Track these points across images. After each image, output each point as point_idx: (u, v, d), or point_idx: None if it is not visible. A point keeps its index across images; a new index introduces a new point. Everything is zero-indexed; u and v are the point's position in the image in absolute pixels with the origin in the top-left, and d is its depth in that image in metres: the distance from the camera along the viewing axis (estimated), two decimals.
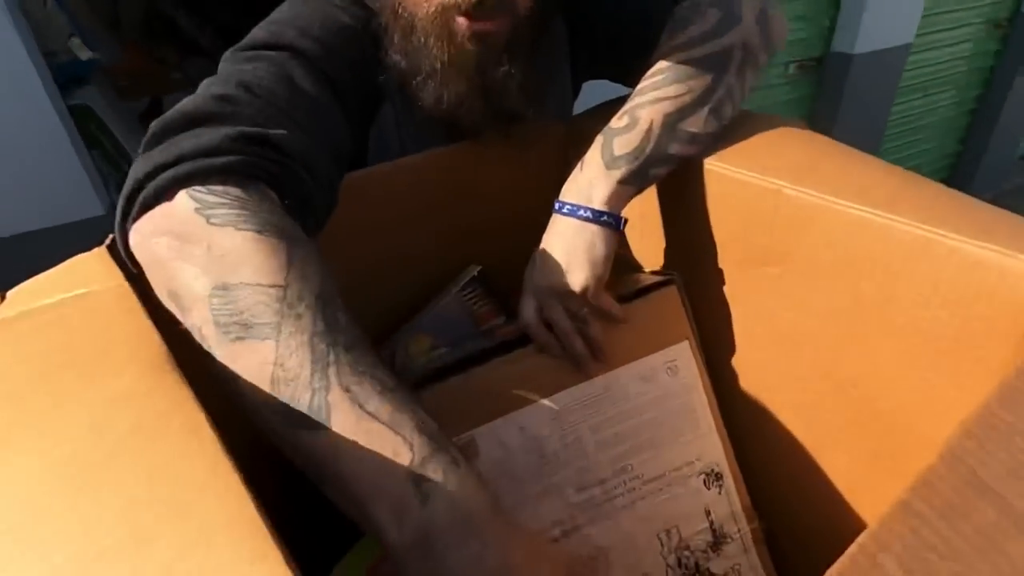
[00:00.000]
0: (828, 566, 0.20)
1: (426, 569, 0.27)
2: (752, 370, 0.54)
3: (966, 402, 0.39)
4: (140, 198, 0.35)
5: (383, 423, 0.29)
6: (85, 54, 1.40)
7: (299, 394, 0.29)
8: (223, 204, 0.33)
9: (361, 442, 0.28)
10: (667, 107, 0.50)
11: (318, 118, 0.45)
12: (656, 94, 0.50)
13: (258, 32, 0.49)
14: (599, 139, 0.52)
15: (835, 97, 2.62)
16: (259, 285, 0.31)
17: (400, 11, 0.50)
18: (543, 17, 0.52)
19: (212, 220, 0.33)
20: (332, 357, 0.30)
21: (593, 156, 0.51)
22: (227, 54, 0.47)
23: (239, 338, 0.30)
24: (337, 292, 0.33)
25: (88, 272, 0.38)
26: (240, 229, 0.33)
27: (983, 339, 0.37)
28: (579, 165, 0.53)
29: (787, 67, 2.52)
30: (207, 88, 0.41)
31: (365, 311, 0.58)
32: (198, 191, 0.34)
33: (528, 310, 0.50)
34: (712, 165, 0.51)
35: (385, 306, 0.59)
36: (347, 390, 0.29)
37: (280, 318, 0.30)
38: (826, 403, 0.49)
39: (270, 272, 0.31)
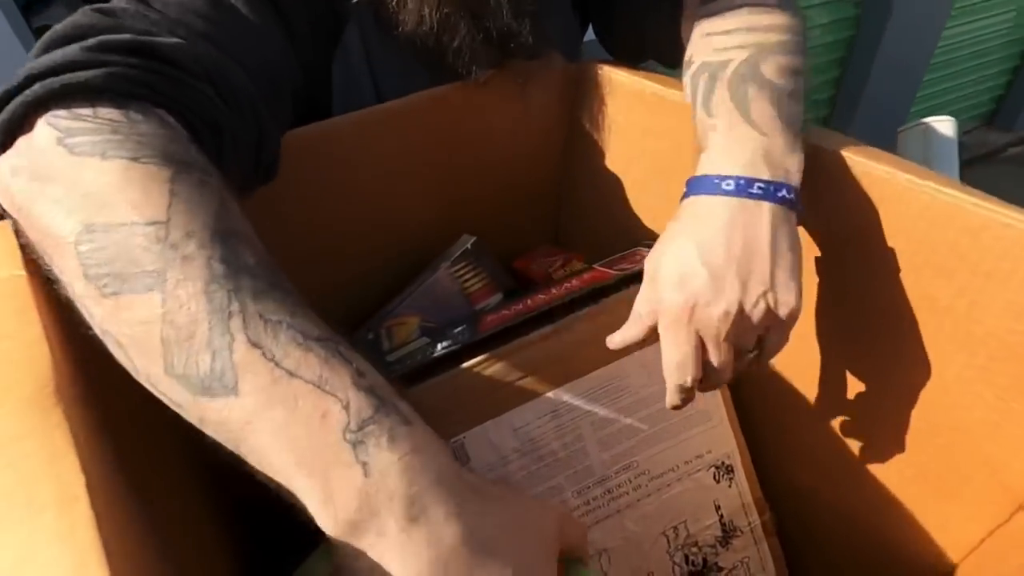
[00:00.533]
0: (838, 558, 0.13)
1: (376, 554, 0.22)
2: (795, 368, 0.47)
3: None
4: None
5: (307, 381, 0.23)
6: None
7: (197, 357, 0.23)
8: (89, 130, 0.26)
9: (280, 407, 0.23)
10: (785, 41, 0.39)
11: (244, 36, 0.37)
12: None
13: None
14: (759, 90, 0.37)
15: (882, 16, 2.38)
16: (134, 224, 0.24)
17: None
18: None
19: (75, 150, 0.26)
20: (235, 306, 0.24)
21: (764, 111, 0.36)
22: None
23: (115, 293, 0.24)
24: (245, 226, 0.27)
25: None
26: (107, 158, 0.25)
27: None
28: (729, 124, 0.37)
29: None
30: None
31: (340, 289, 0.51)
32: (59, 116, 0.27)
33: (681, 345, 0.36)
34: None
35: (364, 283, 0.51)
36: (256, 345, 0.23)
37: (164, 263, 0.24)
38: (871, 404, 0.42)
39: (147, 207, 0.25)
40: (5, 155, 0.28)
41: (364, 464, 0.22)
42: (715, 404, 0.50)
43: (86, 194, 0.25)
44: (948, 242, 0.32)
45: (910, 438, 0.40)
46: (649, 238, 0.55)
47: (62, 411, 0.23)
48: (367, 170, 0.48)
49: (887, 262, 0.36)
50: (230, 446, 0.24)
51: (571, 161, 0.58)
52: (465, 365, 0.42)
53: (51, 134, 0.26)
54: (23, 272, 0.30)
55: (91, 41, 0.28)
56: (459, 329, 0.45)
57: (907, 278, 0.36)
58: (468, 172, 0.54)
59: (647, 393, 0.47)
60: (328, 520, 0.22)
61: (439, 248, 0.54)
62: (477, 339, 0.43)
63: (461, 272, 0.50)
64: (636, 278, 0.46)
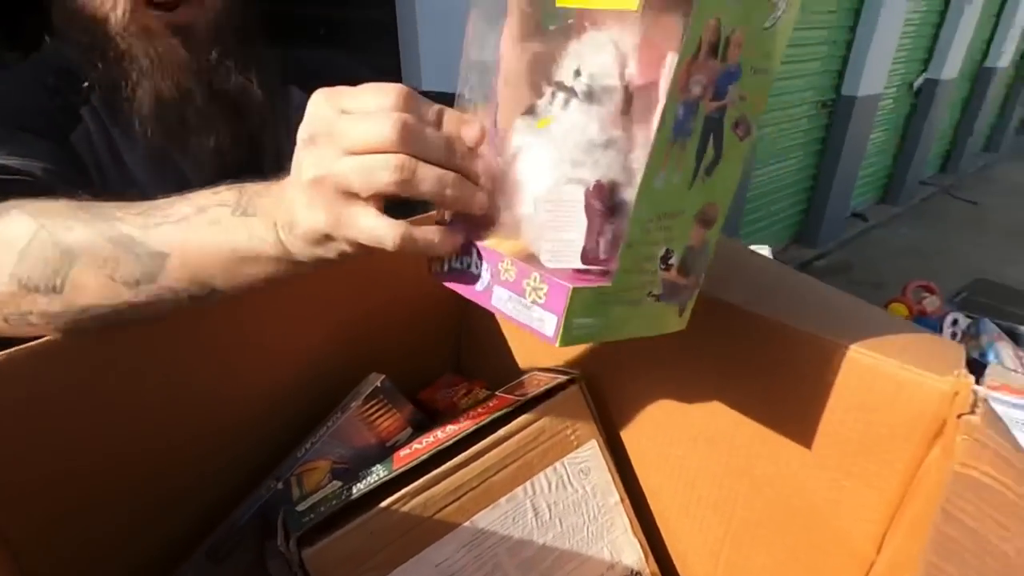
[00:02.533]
0: None
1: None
2: (671, 467, 0.53)
3: (878, 501, 0.40)
4: None
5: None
6: None
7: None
8: None
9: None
10: None
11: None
12: None
13: None
14: None
15: None
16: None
17: (93, 33, 0.52)
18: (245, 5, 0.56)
19: None
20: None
21: None
22: None
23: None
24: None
25: None
26: None
27: (888, 443, 0.38)
28: None
29: None
30: None
31: (242, 436, 0.50)
32: None
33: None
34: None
35: (269, 428, 0.51)
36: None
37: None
38: (744, 501, 0.48)
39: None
40: None
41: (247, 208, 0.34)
42: (619, 514, 0.53)
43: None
44: (774, 354, 0.42)
45: (779, 523, 0.46)
46: (541, 364, 0.61)
47: None
48: (273, 316, 0.50)
49: (735, 369, 0.45)
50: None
51: (469, 314, 0.64)
52: (382, 505, 0.42)
53: None
54: None
55: None
56: (372, 469, 0.46)
57: (743, 385, 0.44)
58: (374, 310, 0.57)
59: (557, 510, 0.50)
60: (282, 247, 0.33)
61: (346, 387, 0.55)
62: (392, 476, 0.44)
63: (371, 411, 0.51)
64: (536, 401, 0.51)
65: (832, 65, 3.60)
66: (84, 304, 0.36)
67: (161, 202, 0.36)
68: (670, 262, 0.32)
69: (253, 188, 0.35)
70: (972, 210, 5.04)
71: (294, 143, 0.31)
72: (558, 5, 0.30)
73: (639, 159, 0.29)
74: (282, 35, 0.63)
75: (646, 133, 0.29)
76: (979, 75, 5.53)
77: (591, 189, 0.29)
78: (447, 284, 0.35)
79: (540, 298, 0.29)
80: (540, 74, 0.32)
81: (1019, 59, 6.17)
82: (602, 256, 0.29)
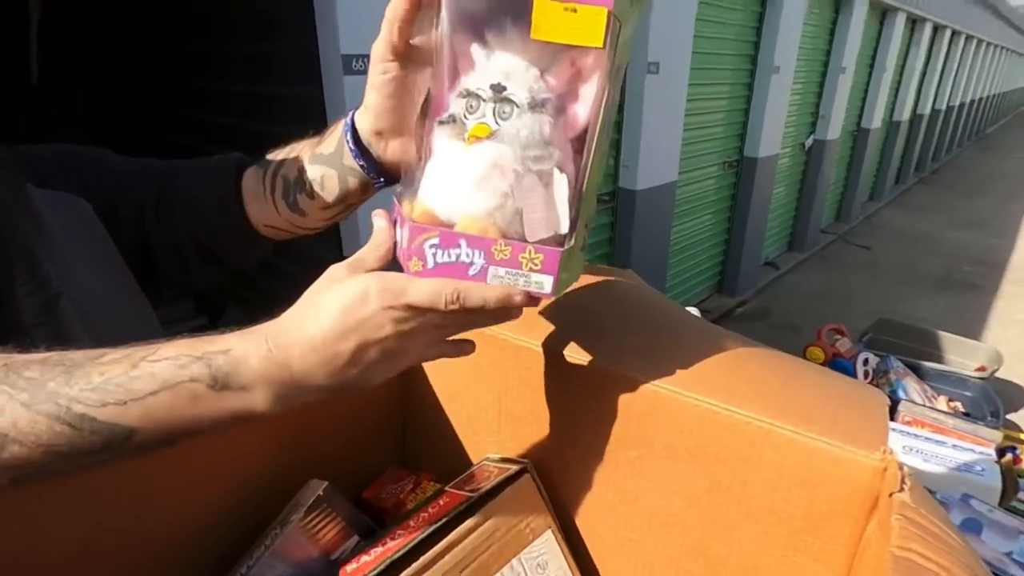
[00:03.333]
0: None
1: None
2: (628, 550, 0.53)
3: (825, 574, 0.41)
4: None
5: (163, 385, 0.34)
6: None
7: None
8: None
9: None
10: None
11: None
12: None
13: None
14: None
15: (628, 225, 3.04)
16: None
17: None
18: None
19: None
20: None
21: None
22: None
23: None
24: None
25: None
26: None
27: (830, 518, 0.39)
28: None
29: None
30: None
31: (176, 552, 0.46)
32: None
33: None
34: (566, 353, 0.51)
35: (204, 544, 0.47)
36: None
37: None
38: None
39: None
40: None
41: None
42: None
43: None
44: (716, 437, 0.43)
45: None
46: (488, 451, 0.60)
47: None
48: (198, 460, 0.47)
49: (681, 453, 0.46)
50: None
51: (411, 386, 0.63)
52: None
53: None
54: None
55: None
56: None
57: (691, 468, 0.45)
58: (312, 411, 0.55)
59: None
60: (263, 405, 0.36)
61: (284, 495, 0.52)
62: None
63: (313, 522, 0.48)
64: (490, 495, 0.50)
65: (733, 130, 3.95)
66: (13, 474, 0.33)
67: (109, 371, 0.34)
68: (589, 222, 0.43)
69: (219, 356, 0.35)
70: (866, 254, 5.54)
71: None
72: (532, 38, 0.36)
73: (566, 148, 0.38)
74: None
75: (563, 130, 0.38)
76: (857, 135, 6.24)
77: (559, 175, 0.37)
78: (433, 277, 0.37)
79: (537, 265, 0.37)
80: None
81: (888, 120, 7.04)
82: (564, 226, 0.38)
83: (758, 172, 4.08)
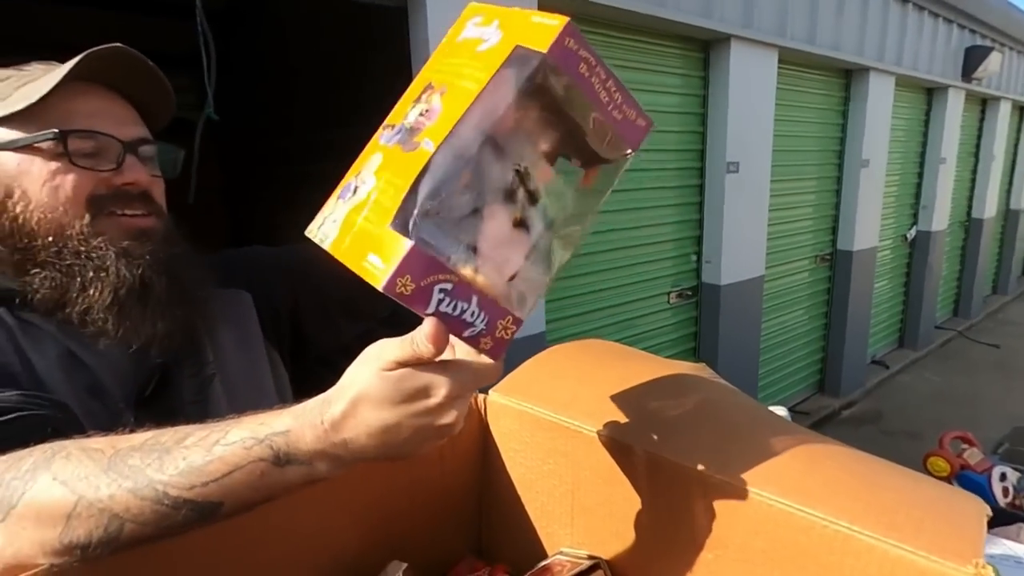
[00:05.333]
0: None
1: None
2: None
3: None
4: None
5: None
6: None
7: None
8: None
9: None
10: None
11: None
12: None
13: None
14: None
15: (713, 320, 2.97)
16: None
17: (38, 245, 0.55)
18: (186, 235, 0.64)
19: None
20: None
21: None
22: None
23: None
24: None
25: None
26: None
27: None
28: None
29: (668, 296, 2.87)
30: None
31: None
32: None
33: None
34: (640, 447, 0.52)
35: None
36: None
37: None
38: None
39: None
40: None
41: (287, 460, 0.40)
42: None
43: None
44: (792, 540, 0.42)
45: None
46: (562, 544, 0.60)
47: None
48: (301, 500, 0.52)
49: (757, 556, 0.44)
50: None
51: (488, 474, 0.65)
52: None
53: None
54: None
55: None
56: None
57: (773, 571, 0.44)
58: (396, 490, 0.58)
59: None
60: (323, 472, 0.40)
61: (369, 572, 0.55)
62: None
63: None
64: None
65: (823, 223, 3.85)
66: (128, 547, 0.40)
67: (190, 455, 0.40)
68: None
69: (279, 438, 0.40)
70: (994, 353, 4.97)
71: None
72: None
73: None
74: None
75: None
76: (969, 225, 5.83)
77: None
78: (429, 315, 0.37)
79: (508, 335, 0.39)
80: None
81: (1004, 209, 6.54)
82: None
83: (855, 266, 3.90)
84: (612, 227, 2.56)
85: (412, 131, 0.40)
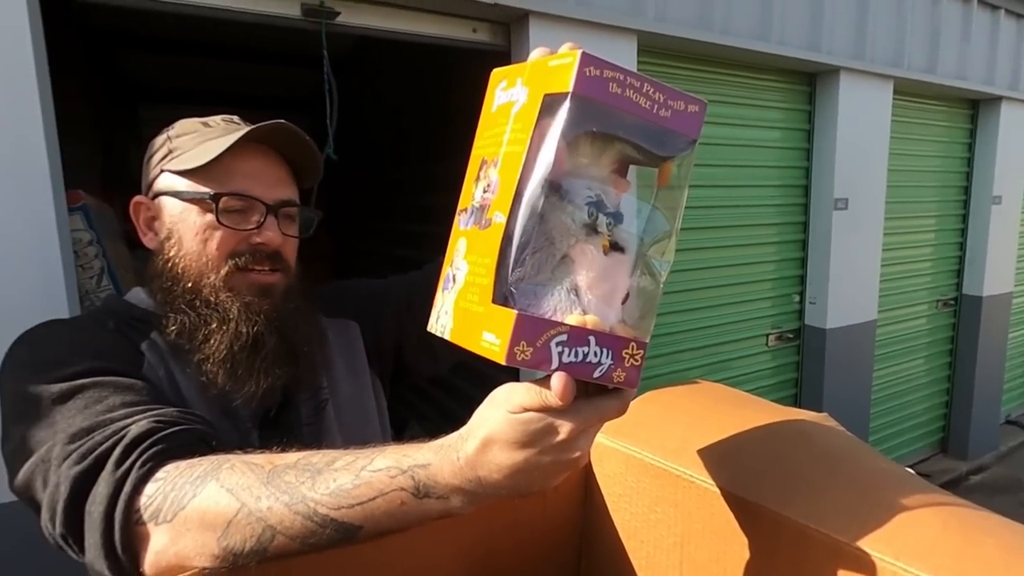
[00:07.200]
0: None
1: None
2: None
3: None
4: None
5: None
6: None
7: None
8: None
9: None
10: None
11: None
12: None
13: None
14: None
15: (818, 366, 2.76)
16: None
17: (179, 288, 0.63)
18: (306, 283, 0.71)
19: None
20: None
21: None
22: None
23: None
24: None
25: None
26: None
27: None
28: None
29: (767, 339, 2.71)
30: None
31: None
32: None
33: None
34: (760, 503, 0.49)
35: None
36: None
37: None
38: None
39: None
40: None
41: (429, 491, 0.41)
42: None
43: None
44: None
45: None
46: None
47: None
48: (407, 534, 0.53)
49: None
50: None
51: (591, 518, 0.64)
52: None
53: None
54: None
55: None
56: None
57: None
58: (500, 531, 0.58)
59: None
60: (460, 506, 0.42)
61: None
62: None
63: None
64: None
65: (947, 266, 3.51)
66: (265, 557, 0.43)
67: (339, 478, 0.43)
68: None
69: (420, 470, 0.41)
70: None
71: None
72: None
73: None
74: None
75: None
76: None
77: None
78: (559, 372, 0.36)
79: (637, 362, 0.39)
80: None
81: None
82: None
83: (985, 312, 3.50)
84: (708, 264, 2.48)
85: (482, 209, 0.42)
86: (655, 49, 2.14)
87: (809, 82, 2.68)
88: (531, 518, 0.61)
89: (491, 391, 0.42)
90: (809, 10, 2.46)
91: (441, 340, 0.45)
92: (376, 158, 3.48)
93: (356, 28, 1.58)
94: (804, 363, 2.83)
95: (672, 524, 0.56)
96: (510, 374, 0.45)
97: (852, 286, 2.79)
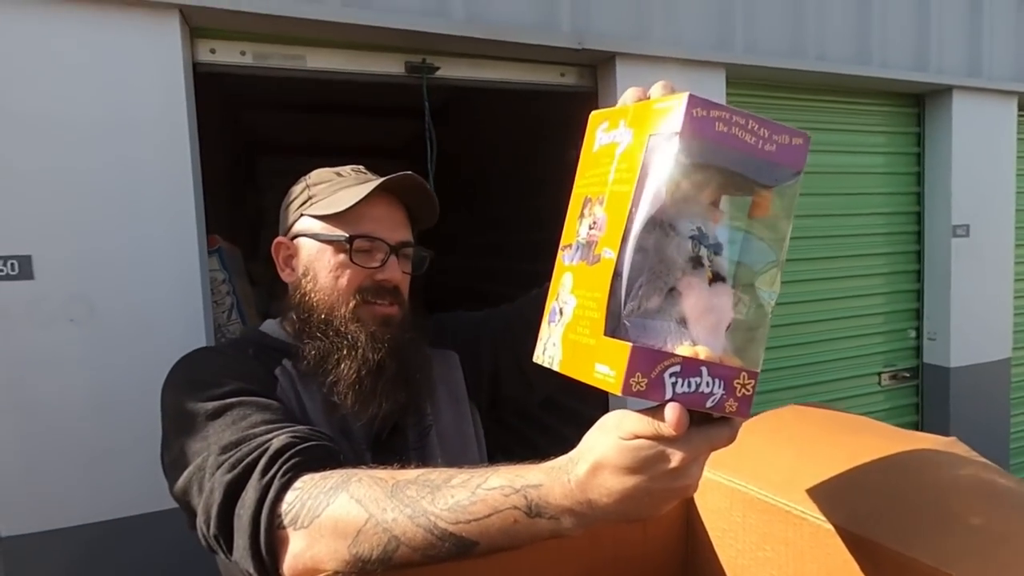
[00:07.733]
0: None
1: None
2: None
3: None
4: None
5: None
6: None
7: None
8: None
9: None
10: None
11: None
12: None
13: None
14: None
15: (941, 408, 2.51)
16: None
17: (314, 319, 0.71)
18: (417, 315, 0.77)
19: None
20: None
21: None
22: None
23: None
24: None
25: None
26: None
27: None
28: None
29: (879, 377, 2.50)
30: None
31: None
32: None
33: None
34: (885, 543, 0.47)
35: None
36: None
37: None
38: None
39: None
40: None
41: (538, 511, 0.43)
42: None
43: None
44: None
45: None
46: None
47: None
48: (518, 562, 0.54)
49: None
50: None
51: (694, 554, 0.63)
52: None
53: None
54: None
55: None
56: None
57: None
58: (600, 565, 0.59)
59: None
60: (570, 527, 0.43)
61: None
62: None
63: None
64: None
65: None
66: (395, 568, 0.47)
67: (456, 494, 0.45)
68: None
69: (532, 491, 0.43)
70: None
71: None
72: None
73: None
74: None
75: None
76: None
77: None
78: (674, 403, 0.37)
79: (748, 391, 0.39)
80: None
81: None
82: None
83: None
84: (809, 297, 2.35)
85: (589, 245, 0.44)
86: (745, 80, 2.12)
87: (917, 103, 2.52)
88: (631, 555, 0.61)
89: (570, 422, 0.44)
90: (914, 28, 2.34)
91: (542, 371, 0.47)
92: (465, 200, 3.63)
93: (453, 80, 1.70)
94: (925, 405, 2.58)
95: (783, 564, 0.54)
96: (594, 407, 0.46)
97: (979, 320, 2.53)
